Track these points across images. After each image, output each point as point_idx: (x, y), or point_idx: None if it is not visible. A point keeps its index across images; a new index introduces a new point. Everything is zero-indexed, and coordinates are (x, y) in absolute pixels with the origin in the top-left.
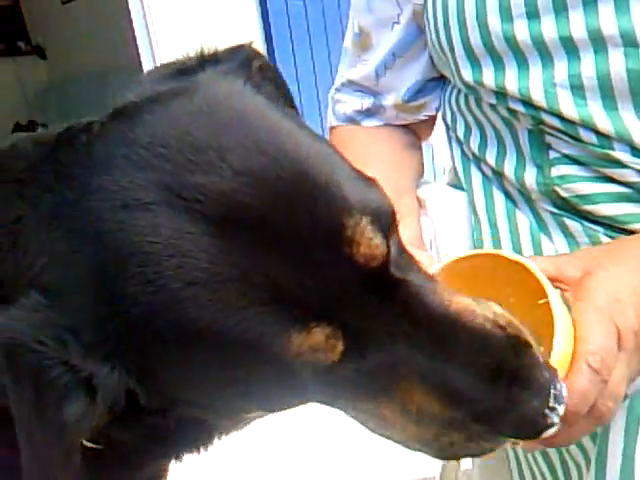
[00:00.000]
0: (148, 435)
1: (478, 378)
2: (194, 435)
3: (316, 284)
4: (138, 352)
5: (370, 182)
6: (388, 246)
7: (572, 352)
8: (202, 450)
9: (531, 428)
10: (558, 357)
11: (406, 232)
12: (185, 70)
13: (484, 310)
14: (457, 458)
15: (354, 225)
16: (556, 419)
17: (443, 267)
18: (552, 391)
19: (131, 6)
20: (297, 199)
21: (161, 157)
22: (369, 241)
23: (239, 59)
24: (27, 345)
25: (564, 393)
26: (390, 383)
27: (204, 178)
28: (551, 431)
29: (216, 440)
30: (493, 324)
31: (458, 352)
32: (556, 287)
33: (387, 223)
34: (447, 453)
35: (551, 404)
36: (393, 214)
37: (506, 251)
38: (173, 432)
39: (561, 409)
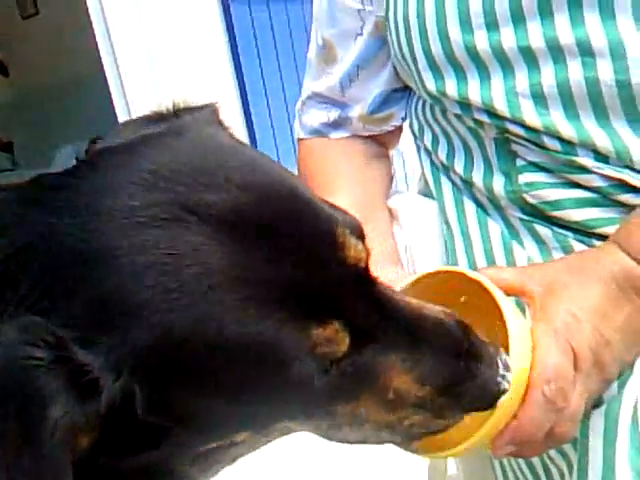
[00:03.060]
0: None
1: (444, 358)
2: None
3: (322, 284)
4: (152, 361)
5: (334, 205)
6: (367, 251)
7: (528, 374)
8: None
9: (489, 396)
10: (514, 376)
11: (379, 249)
12: (162, 118)
13: (433, 305)
14: (416, 438)
15: (342, 233)
16: (507, 385)
17: (411, 283)
18: (500, 361)
19: (92, 17)
20: (295, 211)
21: (168, 180)
22: (356, 246)
23: (208, 110)
24: (12, 367)
25: (509, 362)
26: (374, 376)
27: (213, 195)
28: (504, 397)
29: None
30: (445, 314)
31: (427, 339)
32: (522, 300)
33: (361, 235)
34: (408, 435)
35: (501, 372)
36: (362, 228)
37: (467, 270)
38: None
39: (509, 376)
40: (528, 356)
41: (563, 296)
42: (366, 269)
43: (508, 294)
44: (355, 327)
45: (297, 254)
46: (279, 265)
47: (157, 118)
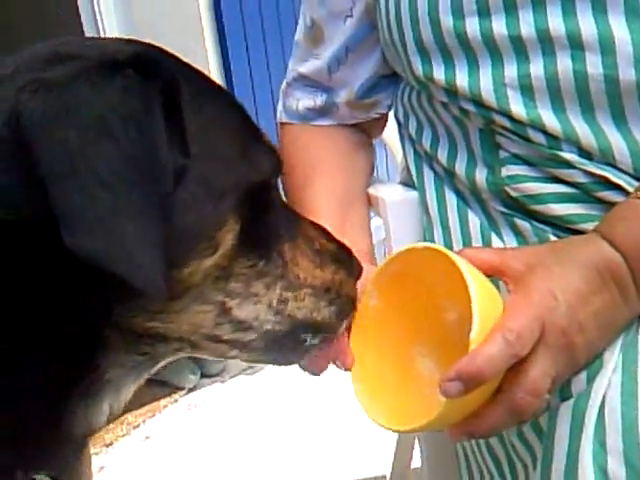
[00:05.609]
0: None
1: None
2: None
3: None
4: None
5: None
6: None
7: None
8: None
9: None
10: (475, 336)
11: (358, 245)
12: None
13: None
14: (346, 313)
15: None
16: None
17: (381, 269)
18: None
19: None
20: None
21: None
22: None
23: None
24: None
25: None
26: (302, 224)
27: None
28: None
29: None
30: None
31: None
32: (500, 279)
33: None
34: (340, 296)
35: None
36: None
37: (432, 244)
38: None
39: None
40: (489, 311)
41: (544, 275)
42: None
43: (488, 275)
44: None
45: None
46: None
47: None
